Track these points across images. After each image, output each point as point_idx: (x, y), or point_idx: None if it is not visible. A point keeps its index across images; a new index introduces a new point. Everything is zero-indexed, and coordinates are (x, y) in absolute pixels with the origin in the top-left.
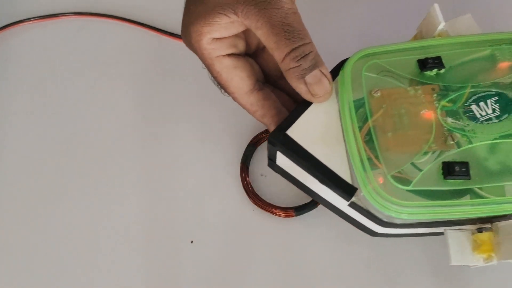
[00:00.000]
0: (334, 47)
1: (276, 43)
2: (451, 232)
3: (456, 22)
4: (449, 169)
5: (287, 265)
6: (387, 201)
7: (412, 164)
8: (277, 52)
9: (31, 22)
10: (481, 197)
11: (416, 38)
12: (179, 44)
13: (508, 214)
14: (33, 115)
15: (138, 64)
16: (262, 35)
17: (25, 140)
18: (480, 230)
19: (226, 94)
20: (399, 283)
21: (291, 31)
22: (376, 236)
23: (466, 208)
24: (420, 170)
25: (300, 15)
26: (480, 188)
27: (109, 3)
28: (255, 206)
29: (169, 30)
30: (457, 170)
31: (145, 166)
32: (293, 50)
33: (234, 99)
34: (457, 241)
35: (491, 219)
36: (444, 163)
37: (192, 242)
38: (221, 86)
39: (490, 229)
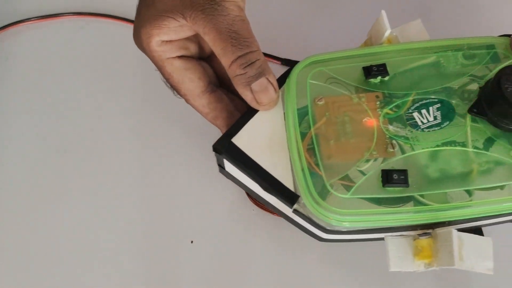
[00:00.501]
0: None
1: (222, 49)
2: (391, 239)
3: (406, 28)
4: (387, 177)
5: (287, 265)
6: (324, 209)
7: (359, 171)
8: (223, 58)
9: (31, 22)
10: (423, 204)
11: (366, 44)
12: None
13: (447, 221)
14: (33, 115)
15: (138, 64)
16: (210, 41)
17: (24, 140)
18: (422, 236)
19: (179, 96)
20: (399, 283)
21: (238, 38)
22: (324, 241)
23: (405, 216)
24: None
25: (249, 23)
26: (422, 196)
27: (109, 3)
28: (255, 207)
29: None
30: (395, 178)
31: (145, 165)
32: (239, 57)
33: (187, 101)
34: (397, 247)
35: (433, 226)
36: (383, 171)
37: (192, 242)
38: (173, 88)
39: (431, 235)
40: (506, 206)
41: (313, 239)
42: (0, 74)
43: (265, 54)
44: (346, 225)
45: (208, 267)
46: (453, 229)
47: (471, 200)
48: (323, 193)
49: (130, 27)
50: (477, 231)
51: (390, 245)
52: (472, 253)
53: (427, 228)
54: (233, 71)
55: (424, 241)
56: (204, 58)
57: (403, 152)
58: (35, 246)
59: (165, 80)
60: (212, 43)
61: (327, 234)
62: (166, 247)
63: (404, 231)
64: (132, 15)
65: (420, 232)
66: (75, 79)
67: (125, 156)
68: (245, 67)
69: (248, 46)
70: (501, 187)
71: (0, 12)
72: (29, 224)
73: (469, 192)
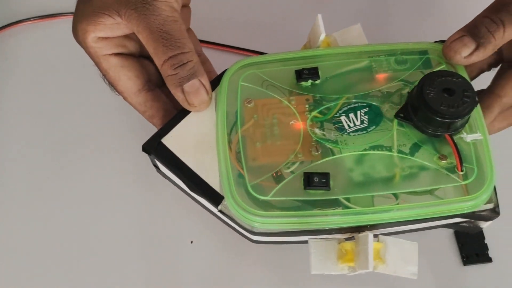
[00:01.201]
0: None
1: (154, 49)
2: (314, 241)
3: (346, 31)
4: (308, 180)
5: (287, 265)
6: (245, 210)
7: (284, 174)
8: (155, 58)
9: (31, 22)
10: (347, 207)
11: (305, 47)
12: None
13: (374, 225)
14: (33, 115)
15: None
16: (143, 40)
17: (24, 139)
18: (348, 240)
19: (116, 93)
20: (398, 282)
21: (169, 38)
22: (255, 243)
23: (327, 219)
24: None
25: (182, 24)
26: (348, 199)
27: None
28: None
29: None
30: (316, 181)
31: (145, 165)
32: (170, 57)
33: (124, 98)
34: (320, 250)
35: (359, 229)
36: (305, 173)
37: (192, 242)
38: (110, 84)
39: (354, 239)
40: (432, 210)
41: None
42: (0, 74)
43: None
44: (267, 227)
45: (208, 267)
46: (369, 233)
47: (397, 204)
48: (246, 194)
49: None
50: (479, 233)
51: (313, 248)
52: (396, 258)
53: (354, 231)
54: (165, 71)
55: (348, 244)
56: (146, 56)
57: (330, 155)
58: (34, 246)
59: (103, 76)
60: (145, 42)
61: (255, 236)
62: (166, 247)
63: (328, 234)
64: None
65: (346, 235)
66: (75, 79)
67: (125, 155)
68: (176, 67)
69: (180, 47)
70: (431, 192)
71: (0, 12)
72: (29, 223)
73: (396, 196)
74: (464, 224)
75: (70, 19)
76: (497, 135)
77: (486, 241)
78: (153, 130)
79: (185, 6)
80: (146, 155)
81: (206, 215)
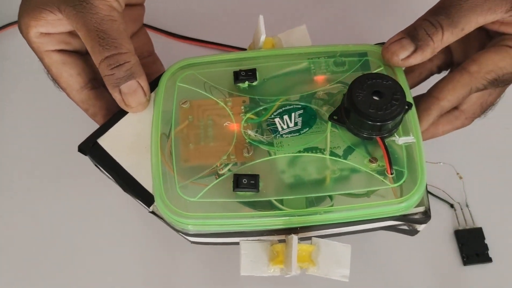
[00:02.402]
0: None
1: (91, 48)
2: (245, 243)
3: (291, 33)
4: (237, 182)
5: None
6: (172, 212)
7: (216, 175)
8: (93, 57)
9: None
10: (278, 209)
11: (249, 48)
12: (179, 44)
13: (299, 227)
14: (33, 114)
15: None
16: (82, 37)
17: (24, 139)
18: (281, 241)
19: (60, 89)
20: (398, 282)
21: (106, 38)
22: (193, 243)
23: (255, 220)
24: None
25: (122, 24)
26: (281, 201)
27: None
28: None
29: (168, 30)
30: (245, 182)
31: None
32: (106, 57)
33: (67, 95)
34: (251, 251)
35: (291, 232)
36: (235, 175)
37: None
38: (53, 80)
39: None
40: (362, 213)
41: None
42: (0, 74)
43: None
44: (197, 229)
45: (208, 267)
46: (294, 235)
47: (331, 206)
48: (175, 196)
49: None
50: (479, 233)
51: (244, 249)
52: (328, 260)
53: (288, 233)
54: (102, 71)
55: (279, 246)
56: None
57: (264, 157)
58: (34, 246)
59: (46, 72)
60: (83, 40)
61: (189, 237)
62: (166, 247)
63: (261, 235)
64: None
65: (278, 237)
66: None
67: None
68: (113, 68)
69: (117, 47)
70: (367, 195)
71: (0, 12)
72: (29, 223)
73: (331, 198)
74: (401, 228)
75: None
76: None
77: (486, 241)
78: None
79: (136, 5)
80: None
81: None
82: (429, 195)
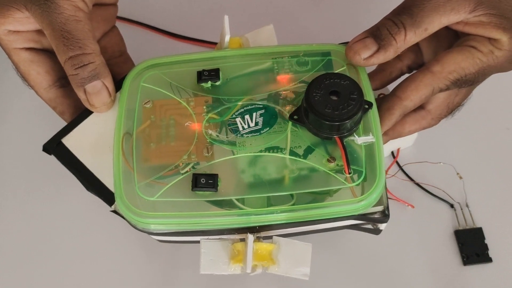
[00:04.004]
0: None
1: (56, 47)
2: (205, 242)
3: (258, 32)
4: (196, 181)
5: None
6: (130, 211)
7: (176, 175)
8: (58, 56)
9: None
10: (238, 208)
11: (216, 48)
12: (179, 44)
13: (258, 226)
14: (33, 114)
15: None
16: (47, 36)
17: (24, 139)
18: (242, 240)
19: (29, 86)
20: (398, 282)
21: (70, 38)
22: (160, 242)
23: (213, 219)
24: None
25: (87, 24)
26: (242, 200)
27: None
28: None
29: (168, 30)
30: (203, 182)
31: None
32: (70, 58)
33: (35, 92)
34: (211, 250)
35: (254, 230)
36: (194, 174)
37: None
38: (22, 77)
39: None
40: (320, 212)
41: None
42: (0, 74)
43: None
44: (157, 228)
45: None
46: (249, 234)
47: (293, 205)
48: (134, 195)
49: (129, 27)
50: (479, 233)
51: (204, 248)
52: (288, 258)
53: (247, 232)
54: (67, 71)
55: (239, 245)
56: None
57: (225, 156)
58: (34, 246)
59: (15, 68)
60: (49, 39)
61: (153, 236)
62: (166, 247)
63: (222, 234)
64: (131, 15)
65: (239, 236)
66: None
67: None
68: (77, 68)
69: (81, 48)
70: (329, 194)
71: None
72: (29, 223)
73: (292, 197)
74: (366, 227)
75: None
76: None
77: (486, 241)
78: None
79: (108, 5)
80: None
81: None
82: (430, 195)
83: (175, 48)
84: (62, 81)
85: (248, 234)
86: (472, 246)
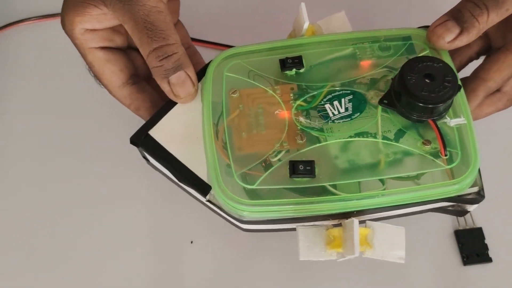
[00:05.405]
0: None
1: (139, 40)
2: (302, 229)
3: (330, 20)
4: (294, 168)
5: (287, 264)
6: (231, 199)
7: (270, 162)
8: (141, 49)
9: (31, 22)
10: (333, 194)
11: (290, 36)
12: None
13: (361, 210)
14: (33, 115)
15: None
16: (128, 30)
17: (25, 140)
18: (336, 226)
19: (101, 86)
20: (398, 282)
21: (153, 29)
22: (245, 231)
23: (313, 206)
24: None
25: (168, 15)
26: (334, 186)
27: None
28: None
29: None
30: (301, 169)
31: (145, 166)
32: (155, 49)
33: (109, 91)
34: (308, 236)
35: (347, 215)
36: (290, 162)
37: (192, 242)
38: (95, 77)
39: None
40: (418, 195)
41: None
42: (0, 74)
43: None
44: (254, 215)
45: (208, 268)
46: (354, 219)
47: (384, 189)
48: (232, 184)
49: None
50: (479, 233)
51: (301, 235)
52: (383, 242)
53: (342, 218)
54: (150, 63)
55: (336, 230)
56: (135, 48)
57: (316, 143)
58: (36, 246)
59: (88, 68)
60: (130, 32)
61: (244, 225)
62: (166, 247)
63: (316, 221)
64: None
65: (333, 222)
66: (75, 79)
67: (126, 156)
68: (161, 59)
69: (165, 39)
70: (417, 177)
71: (0, 12)
72: (29, 223)
73: (382, 182)
74: (450, 208)
75: None
76: None
77: (486, 241)
78: None
79: None
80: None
81: (206, 215)
82: None
83: None
84: (134, 78)
85: (353, 218)
86: (472, 246)
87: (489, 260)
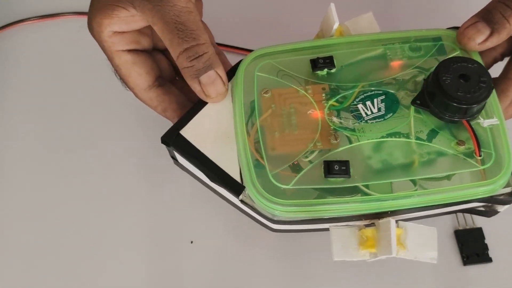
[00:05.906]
0: None
1: (170, 41)
2: (335, 229)
3: (357, 20)
4: (329, 168)
5: (287, 264)
6: (267, 199)
7: (304, 163)
8: (171, 50)
9: (31, 22)
10: (366, 194)
11: (318, 37)
12: None
13: (392, 211)
14: (33, 115)
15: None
16: (158, 31)
17: (25, 140)
18: (368, 226)
19: (127, 88)
20: (398, 282)
21: (184, 30)
22: (275, 231)
23: (348, 206)
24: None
25: (198, 15)
26: (367, 186)
27: None
28: None
29: None
30: (337, 169)
31: (146, 166)
32: (185, 49)
33: (135, 94)
34: (342, 237)
35: (379, 215)
36: (325, 162)
37: (192, 242)
38: (121, 80)
39: (375, 225)
40: (451, 196)
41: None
42: (0, 74)
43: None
44: (289, 215)
45: (208, 267)
46: (391, 219)
47: (415, 190)
48: (267, 184)
49: None
50: (479, 233)
51: (334, 235)
52: (416, 243)
53: (374, 218)
54: (181, 63)
55: (369, 231)
56: (160, 50)
57: (348, 143)
58: (36, 246)
59: (114, 71)
60: (160, 33)
61: (275, 225)
62: (166, 247)
63: (349, 221)
64: None
65: (366, 222)
66: (75, 79)
67: (126, 155)
68: (192, 59)
69: (195, 39)
70: (448, 178)
71: (0, 12)
72: (30, 223)
73: (414, 182)
74: (480, 209)
75: (70, 19)
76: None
77: (486, 241)
78: (152, 129)
79: None
80: (146, 156)
81: (206, 215)
82: None
83: None
84: (160, 80)
85: (390, 218)
86: (472, 246)
87: (489, 260)
